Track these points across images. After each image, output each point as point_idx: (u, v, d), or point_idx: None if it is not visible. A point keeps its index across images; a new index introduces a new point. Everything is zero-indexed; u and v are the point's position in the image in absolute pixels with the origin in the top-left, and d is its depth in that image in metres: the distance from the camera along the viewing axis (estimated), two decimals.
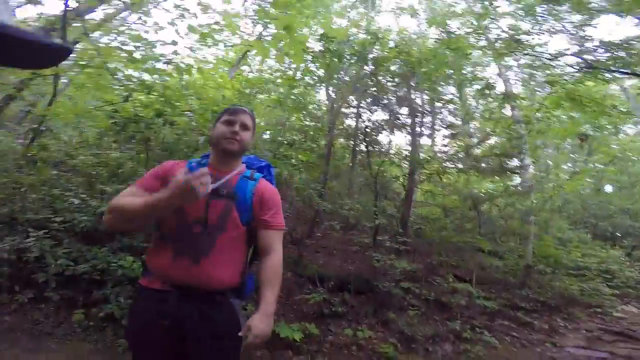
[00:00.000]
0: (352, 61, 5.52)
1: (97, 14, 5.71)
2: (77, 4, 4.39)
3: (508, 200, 7.50)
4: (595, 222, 10.94)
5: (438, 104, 7.12)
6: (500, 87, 7.45)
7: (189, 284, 1.31)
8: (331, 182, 7.02)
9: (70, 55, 0.58)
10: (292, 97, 5.79)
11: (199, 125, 4.09)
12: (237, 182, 1.44)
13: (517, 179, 7.97)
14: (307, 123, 6.48)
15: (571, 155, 12.86)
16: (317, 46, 5.74)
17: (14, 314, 2.96)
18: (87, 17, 4.79)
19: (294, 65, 6.24)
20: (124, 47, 3.89)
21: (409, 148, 7.03)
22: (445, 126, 7.13)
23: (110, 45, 4.19)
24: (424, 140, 8.15)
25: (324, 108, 7.25)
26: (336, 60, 5.26)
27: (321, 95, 8.63)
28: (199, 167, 1.43)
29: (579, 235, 8.34)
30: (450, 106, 7.19)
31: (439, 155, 7.01)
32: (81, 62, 3.72)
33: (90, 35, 4.50)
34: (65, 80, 4.87)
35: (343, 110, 7.14)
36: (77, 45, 4.21)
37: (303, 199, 6.04)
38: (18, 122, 5.70)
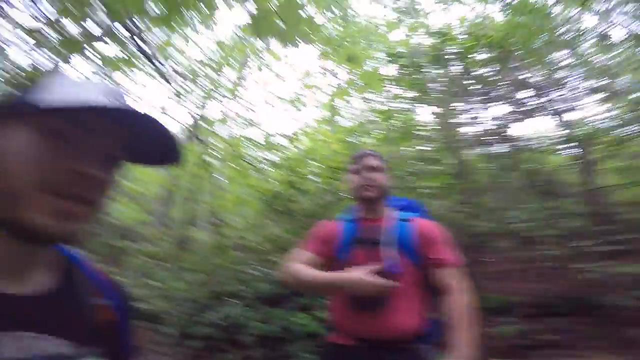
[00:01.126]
0: (434, 68, 5.20)
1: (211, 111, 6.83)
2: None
3: None
4: None
5: (557, 76, 5.79)
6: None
7: (374, 335, 1.33)
8: (476, 199, 6.20)
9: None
10: (392, 127, 5.68)
11: (323, 183, 4.48)
12: (394, 227, 1.44)
13: None
14: (420, 148, 6.17)
15: None
16: (390, 71, 5.64)
17: None
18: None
19: (380, 98, 6.19)
20: (246, 135, 4.82)
21: (558, 130, 5.76)
22: (586, 92, 5.62)
23: (233, 136, 5.21)
24: (569, 117, 6.53)
25: (429, 127, 6.85)
26: (417, 72, 5.05)
27: (422, 115, 8.24)
28: (351, 223, 1.51)
29: None
30: (573, 73, 5.73)
31: (600, 125, 5.45)
32: (218, 155, 4.77)
33: (213, 129, 5.63)
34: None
35: (450, 120, 6.59)
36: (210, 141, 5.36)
37: (451, 225, 5.48)
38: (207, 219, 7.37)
